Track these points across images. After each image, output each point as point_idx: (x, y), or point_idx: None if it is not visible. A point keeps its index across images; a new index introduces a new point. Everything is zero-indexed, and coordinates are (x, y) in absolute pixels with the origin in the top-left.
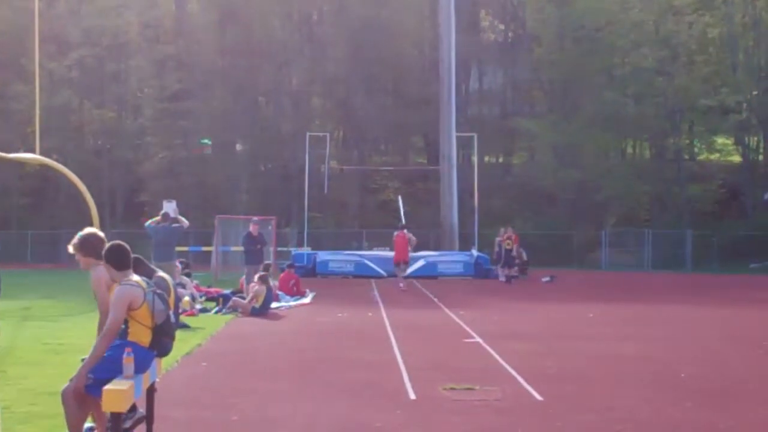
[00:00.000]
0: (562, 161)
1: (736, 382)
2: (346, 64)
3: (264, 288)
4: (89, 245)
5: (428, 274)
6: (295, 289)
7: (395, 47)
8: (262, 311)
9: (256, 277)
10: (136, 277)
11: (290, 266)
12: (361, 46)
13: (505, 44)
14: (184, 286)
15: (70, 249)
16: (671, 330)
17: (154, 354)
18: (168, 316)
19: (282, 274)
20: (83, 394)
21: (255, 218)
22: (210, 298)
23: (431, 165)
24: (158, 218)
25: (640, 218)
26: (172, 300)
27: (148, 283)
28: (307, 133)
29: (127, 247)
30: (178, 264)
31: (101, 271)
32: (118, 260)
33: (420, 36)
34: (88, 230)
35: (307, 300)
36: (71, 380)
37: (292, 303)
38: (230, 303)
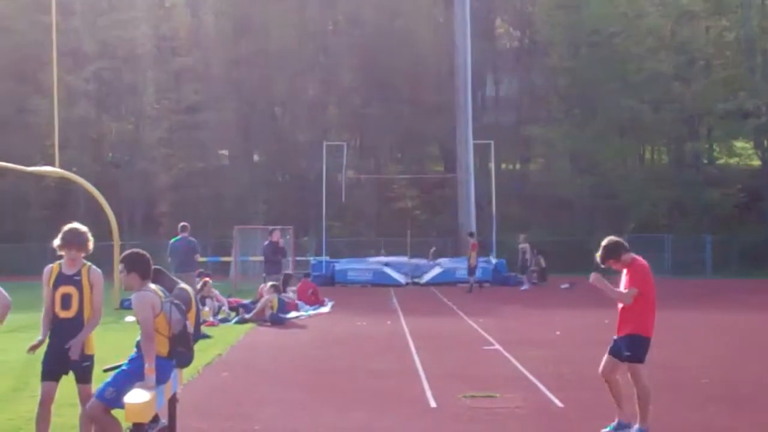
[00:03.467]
0: (579, 168)
1: (759, 388)
2: (362, 73)
3: (275, 295)
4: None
5: (446, 280)
6: (313, 297)
7: (410, 56)
8: (279, 318)
9: (267, 286)
10: (153, 287)
11: (307, 275)
12: (376, 55)
13: (521, 51)
14: (204, 301)
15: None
16: (691, 336)
17: (173, 364)
18: (185, 326)
19: (300, 284)
20: (108, 409)
21: (276, 228)
22: (229, 308)
23: (448, 173)
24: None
25: (658, 224)
26: (193, 312)
27: (165, 293)
28: (324, 143)
29: (148, 256)
30: (207, 280)
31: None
32: (145, 269)
33: (435, 44)
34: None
35: (326, 309)
36: (95, 396)
37: (311, 312)
38: (250, 314)
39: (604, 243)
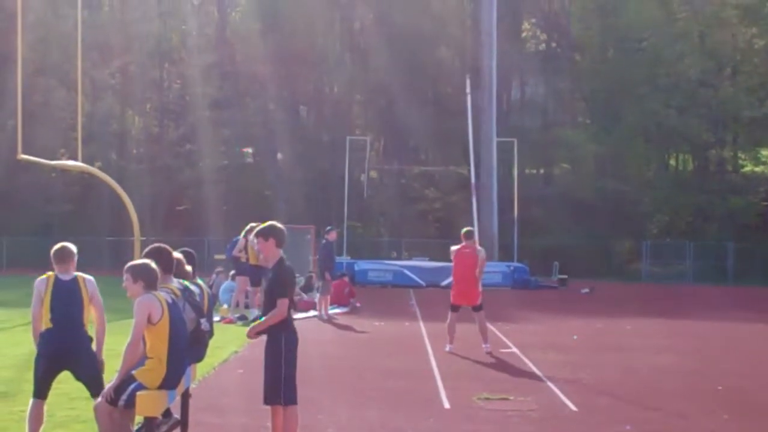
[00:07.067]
0: (604, 172)
1: None
2: (387, 73)
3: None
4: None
5: None
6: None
7: (437, 56)
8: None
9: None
10: (170, 286)
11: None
12: (402, 56)
13: (548, 54)
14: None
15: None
16: (710, 343)
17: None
18: (198, 323)
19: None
20: (114, 409)
21: (332, 227)
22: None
23: (470, 175)
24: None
25: (681, 230)
26: (205, 305)
27: (181, 290)
28: (348, 137)
29: (154, 266)
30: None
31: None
32: (151, 279)
33: (462, 45)
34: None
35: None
36: (102, 395)
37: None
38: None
39: None
